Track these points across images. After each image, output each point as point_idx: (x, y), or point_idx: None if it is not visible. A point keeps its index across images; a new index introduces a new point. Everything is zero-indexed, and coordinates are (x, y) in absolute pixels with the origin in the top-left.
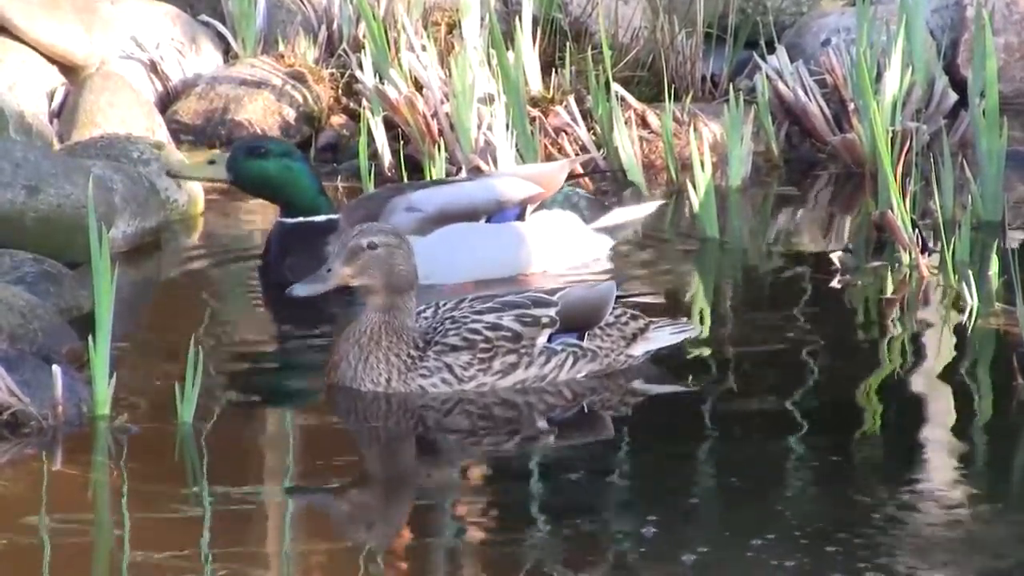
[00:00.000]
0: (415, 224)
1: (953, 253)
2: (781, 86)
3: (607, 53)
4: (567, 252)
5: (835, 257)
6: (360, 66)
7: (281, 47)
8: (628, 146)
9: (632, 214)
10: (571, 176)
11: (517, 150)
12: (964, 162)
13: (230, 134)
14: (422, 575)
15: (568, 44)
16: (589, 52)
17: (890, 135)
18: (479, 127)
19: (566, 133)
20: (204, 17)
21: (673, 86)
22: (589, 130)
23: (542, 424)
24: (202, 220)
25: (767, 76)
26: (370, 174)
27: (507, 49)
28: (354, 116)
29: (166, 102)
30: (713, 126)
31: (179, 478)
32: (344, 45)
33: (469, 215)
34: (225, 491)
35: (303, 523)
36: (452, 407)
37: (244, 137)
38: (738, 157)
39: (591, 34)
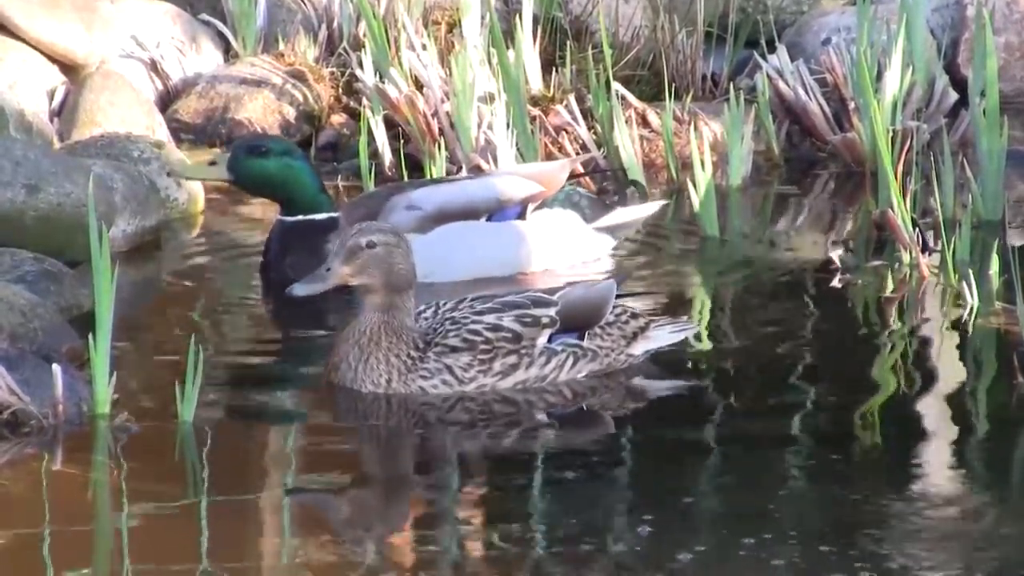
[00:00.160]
0: (415, 222)
1: (953, 252)
2: (782, 85)
3: (608, 52)
4: (568, 251)
5: (835, 256)
6: (360, 65)
7: (281, 46)
8: (628, 145)
9: (633, 214)
10: (572, 175)
11: (517, 149)
12: (964, 161)
13: (230, 133)
14: (421, 575)
15: (568, 43)
16: (590, 51)
17: (890, 134)
18: (479, 126)
19: (566, 132)
20: (204, 16)
21: (673, 85)
22: (589, 129)
23: (542, 423)
24: (202, 219)
25: (767, 75)
26: (370, 173)
27: (507, 48)
28: (354, 115)
29: (166, 101)
30: (713, 125)
31: (179, 477)
32: (344, 44)
33: (469, 213)
34: (225, 490)
35: (303, 523)
36: (452, 406)
37: (244, 136)
38: (738, 156)
39: (591, 33)
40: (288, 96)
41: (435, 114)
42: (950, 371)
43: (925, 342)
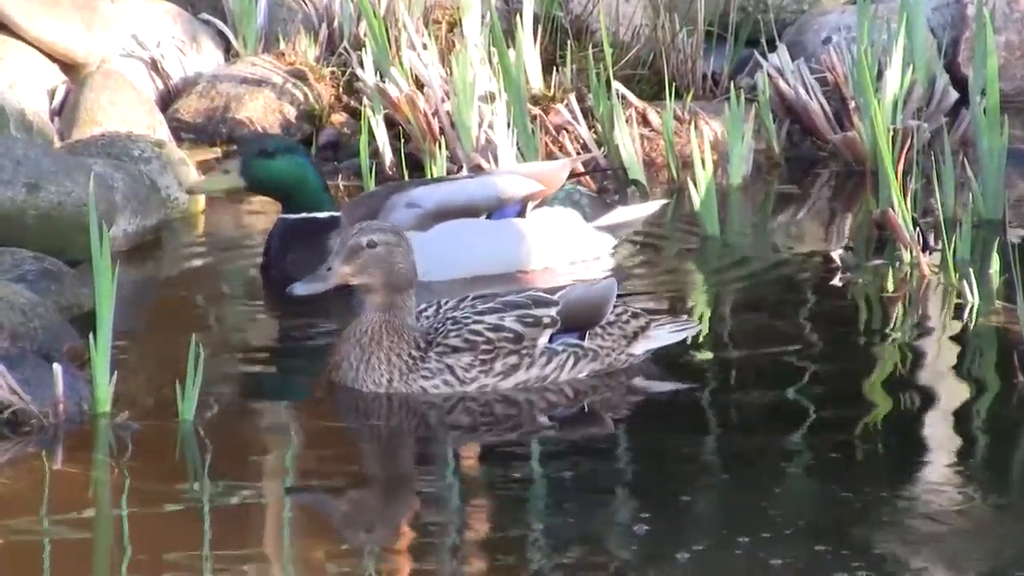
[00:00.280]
0: (415, 220)
1: (954, 251)
2: (782, 84)
3: (608, 51)
4: (568, 249)
5: (836, 255)
6: (361, 64)
7: (282, 45)
8: (629, 144)
9: (634, 213)
10: (572, 174)
11: (518, 148)
12: (965, 160)
13: (231, 132)
14: (421, 575)
15: (569, 42)
16: (590, 50)
17: (891, 133)
18: (480, 125)
19: (567, 131)
20: (205, 15)
21: (674, 84)
22: (590, 128)
23: (543, 423)
24: (203, 218)
25: (768, 74)
26: (371, 172)
27: (508, 47)
28: (355, 114)
29: (167, 100)
30: (714, 124)
31: (180, 476)
32: (345, 43)
33: (469, 211)
34: (225, 490)
35: (303, 523)
36: (453, 406)
37: (246, 136)
38: (739, 155)
39: (592, 32)
40: (289, 95)
41: (436, 113)
42: (950, 370)
43: (925, 341)
